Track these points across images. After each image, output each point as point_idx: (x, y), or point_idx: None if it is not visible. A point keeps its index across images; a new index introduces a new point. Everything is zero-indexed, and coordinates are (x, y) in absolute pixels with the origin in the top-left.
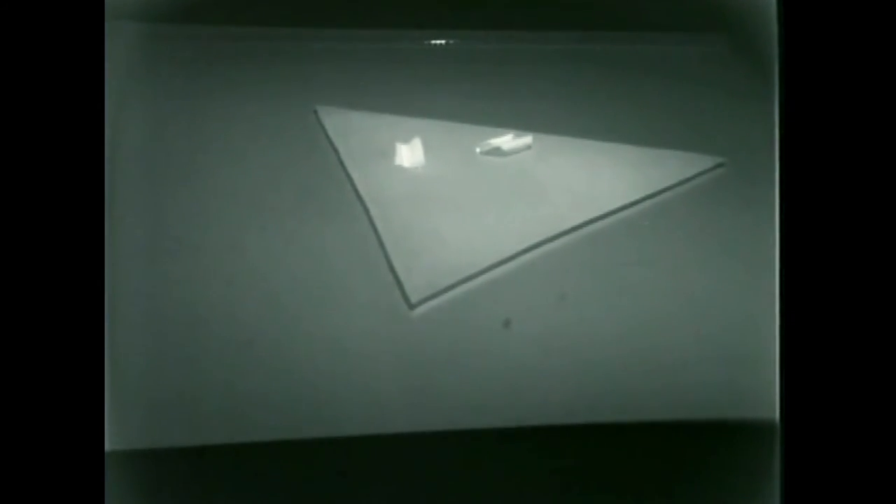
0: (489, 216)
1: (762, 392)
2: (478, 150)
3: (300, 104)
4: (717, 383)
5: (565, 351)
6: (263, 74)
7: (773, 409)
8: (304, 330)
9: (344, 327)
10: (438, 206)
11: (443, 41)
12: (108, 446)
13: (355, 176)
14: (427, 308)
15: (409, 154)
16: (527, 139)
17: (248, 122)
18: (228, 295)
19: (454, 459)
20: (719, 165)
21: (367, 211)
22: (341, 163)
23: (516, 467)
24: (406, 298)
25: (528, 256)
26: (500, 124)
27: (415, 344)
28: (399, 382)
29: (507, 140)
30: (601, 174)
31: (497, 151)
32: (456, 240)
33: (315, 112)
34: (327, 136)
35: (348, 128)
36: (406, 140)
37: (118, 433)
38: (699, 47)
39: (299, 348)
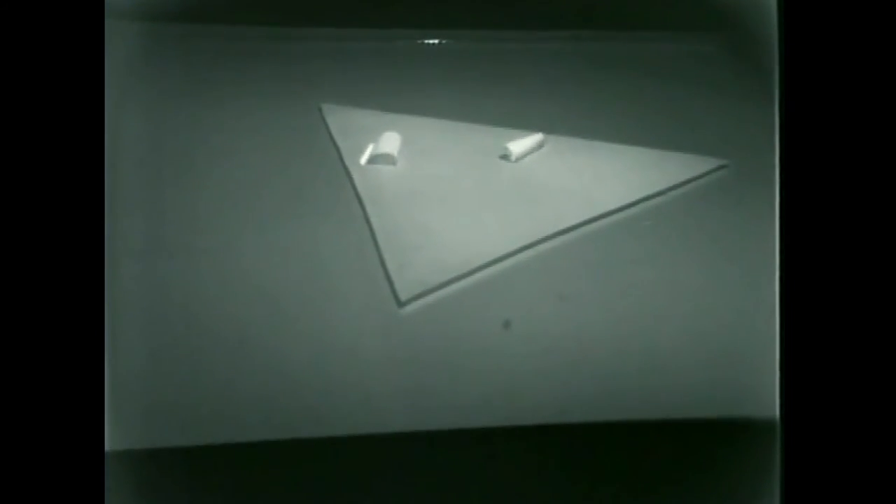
0: (487, 215)
1: (762, 390)
2: (477, 149)
3: (300, 103)
4: (718, 381)
5: (560, 350)
6: (263, 73)
7: (773, 408)
8: (298, 329)
9: (336, 326)
10: (436, 204)
11: (438, 41)
12: (108, 446)
13: (354, 173)
14: (416, 306)
15: (409, 152)
16: (534, 138)
17: (248, 121)
18: (226, 294)
19: (446, 459)
20: (722, 167)
21: (363, 209)
22: (342, 160)
23: (511, 467)
24: (396, 296)
25: (523, 256)
26: (502, 124)
27: (403, 342)
28: (387, 381)
29: (509, 140)
30: (601, 175)
31: (499, 151)
32: (451, 239)
33: (319, 109)
34: (330, 134)
35: (351, 125)
36: (406, 138)
37: (118, 433)
38: (699, 47)
39: (293, 347)
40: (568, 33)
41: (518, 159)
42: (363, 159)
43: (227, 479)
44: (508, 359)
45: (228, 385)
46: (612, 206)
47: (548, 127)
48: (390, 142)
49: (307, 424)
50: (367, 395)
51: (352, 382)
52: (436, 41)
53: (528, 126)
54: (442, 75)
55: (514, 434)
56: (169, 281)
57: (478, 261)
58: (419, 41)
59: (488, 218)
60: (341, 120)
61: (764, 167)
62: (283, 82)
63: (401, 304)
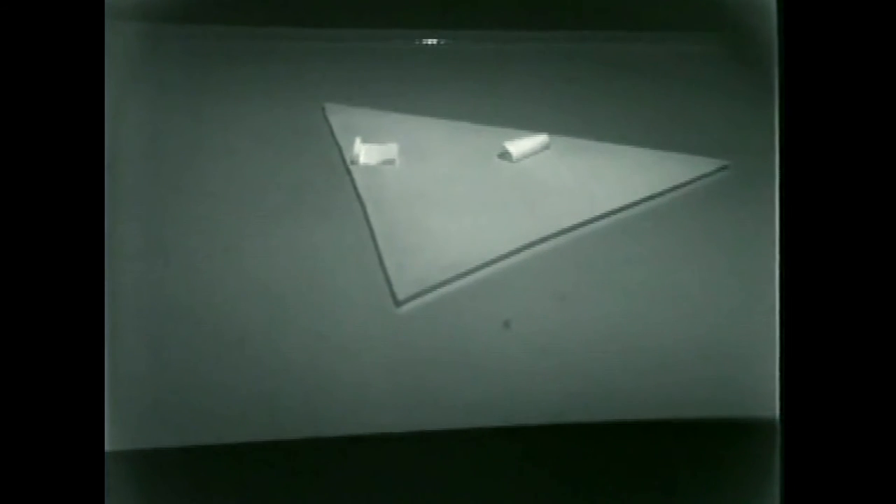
0: (487, 215)
1: (762, 390)
2: (477, 149)
3: (299, 103)
4: (718, 381)
5: (559, 350)
6: (264, 73)
7: (773, 408)
8: (297, 328)
9: (334, 325)
10: (436, 204)
11: (438, 41)
12: (108, 446)
13: (355, 173)
14: (414, 305)
15: (409, 152)
16: (538, 139)
17: (248, 121)
18: (226, 294)
19: (445, 459)
20: (723, 168)
21: (364, 208)
22: (343, 160)
23: (509, 467)
24: (393, 296)
25: (522, 256)
26: (502, 124)
27: (400, 342)
28: (385, 380)
29: (509, 140)
30: (601, 175)
31: (499, 151)
32: (451, 238)
33: (322, 109)
34: (332, 134)
35: (354, 125)
36: (406, 138)
37: (118, 433)
38: (699, 47)
39: (291, 347)
40: (568, 33)
41: (519, 159)
42: (360, 160)
43: (227, 479)
44: (507, 359)
45: (228, 385)
46: (612, 207)
47: (548, 127)
48: (388, 152)
49: (306, 424)
50: (364, 395)
51: (349, 382)
52: (436, 41)
53: (528, 126)
54: (442, 75)
55: (512, 434)
56: (168, 281)
57: (477, 260)
58: (419, 41)
59: (488, 218)
60: (344, 120)
61: (765, 168)
62: (283, 82)
63: (398, 303)
